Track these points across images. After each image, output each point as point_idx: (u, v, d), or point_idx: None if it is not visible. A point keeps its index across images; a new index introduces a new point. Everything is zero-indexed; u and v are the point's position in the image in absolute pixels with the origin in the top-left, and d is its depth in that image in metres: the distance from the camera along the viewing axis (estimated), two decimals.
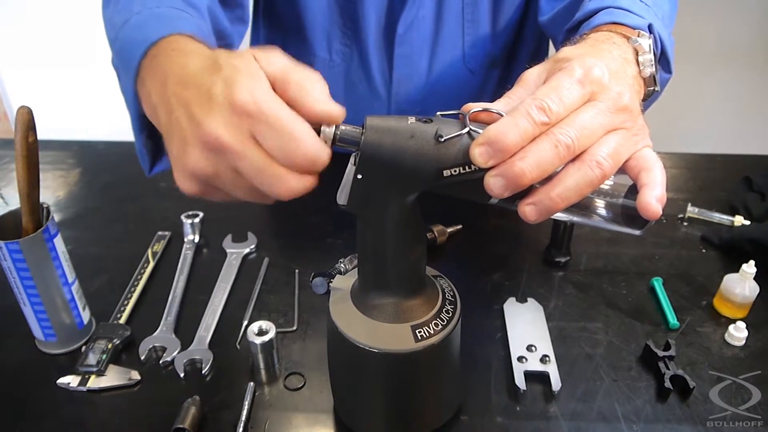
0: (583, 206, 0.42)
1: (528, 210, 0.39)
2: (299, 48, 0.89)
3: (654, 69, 0.49)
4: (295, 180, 0.38)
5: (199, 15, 0.57)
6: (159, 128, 0.44)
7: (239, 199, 0.42)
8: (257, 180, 0.38)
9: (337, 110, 0.39)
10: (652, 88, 0.50)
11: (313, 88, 0.39)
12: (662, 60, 0.58)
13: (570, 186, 0.38)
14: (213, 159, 0.38)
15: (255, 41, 0.95)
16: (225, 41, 0.68)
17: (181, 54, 0.44)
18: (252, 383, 0.58)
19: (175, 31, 0.47)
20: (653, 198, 0.39)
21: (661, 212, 0.39)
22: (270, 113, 0.37)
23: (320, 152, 0.38)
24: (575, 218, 0.43)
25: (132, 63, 0.47)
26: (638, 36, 0.50)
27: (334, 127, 0.39)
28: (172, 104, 0.40)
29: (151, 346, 0.62)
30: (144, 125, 0.50)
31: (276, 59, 0.40)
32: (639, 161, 0.41)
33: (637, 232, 0.44)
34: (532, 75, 0.44)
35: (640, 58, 0.49)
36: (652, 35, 0.53)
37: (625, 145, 0.40)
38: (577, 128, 0.38)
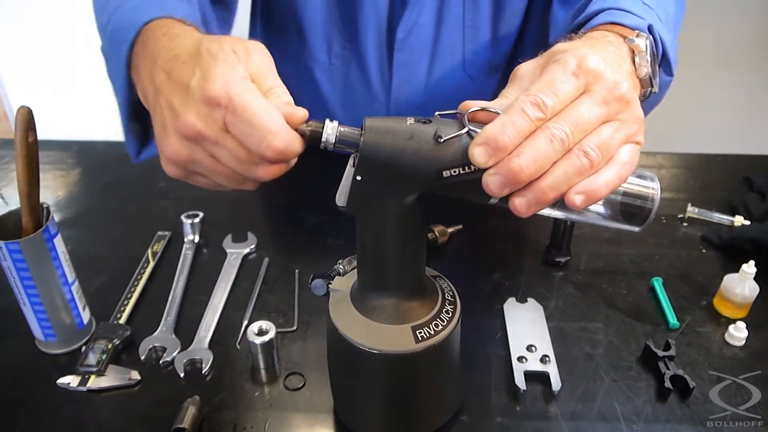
0: None
1: (518, 202, 0.39)
2: (298, 51, 0.88)
3: (650, 70, 0.49)
4: (263, 168, 0.42)
5: (189, 5, 0.59)
6: (149, 109, 0.47)
7: (221, 185, 0.45)
8: (232, 165, 0.42)
9: (299, 112, 0.42)
10: (649, 89, 0.50)
11: (275, 94, 0.43)
12: (663, 62, 0.58)
13: (558, 176, 0.38)
14: (190, 146, 0.42)
15: None
16: None
17: (169, 38, 0.47)
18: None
19: (167, 14, 0.50)
20: (575, 189, 0.39)
21: (578, 204, 0.39)
22: (238, 104, 0.40)
23: (287, 142, 0.40)
24: (574, 216, 0.44)
25: (125, 45, 0.50)
26: (636, 36, 0.50)
27: (305, 123, 0.42)
28: (156, 90, 0.44)
29: (151, 346, 0.62)
30: (131, 110, 0.53)
31: (257, 58, 0.44)
32: None
33: (636, 229, 0.44)
34: (526, 71, 0.44)
35: (636, 58, 0.48)
36: (651, 36, 0.53)
37: (615, 136, 0.40)
38: (571, 122, 0.38)
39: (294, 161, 0.44)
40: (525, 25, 0.86)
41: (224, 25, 0.78)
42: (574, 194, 0.39)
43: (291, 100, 0.44)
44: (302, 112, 0.42)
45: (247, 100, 0.40)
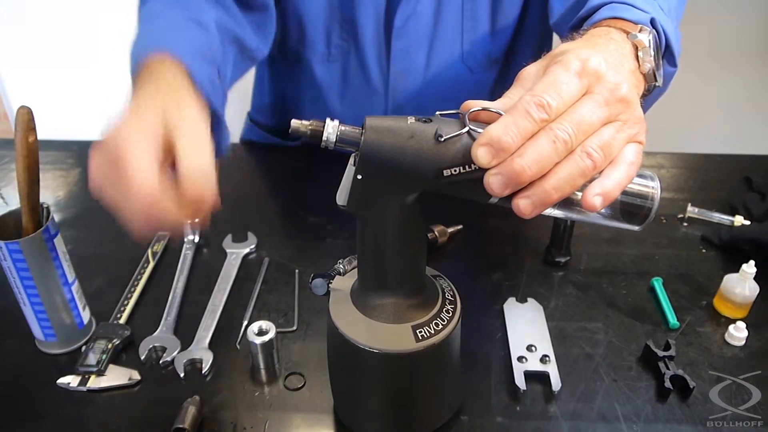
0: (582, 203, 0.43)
1: (522, 204, 0.39)
2: (297, 45, 0.89)
3: (654, 64, 0.49)
4: (137, 222, 0.45)
5: (200, 28, 0.62)
6: None
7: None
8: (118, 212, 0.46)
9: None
10: (654, 83, 0.50)
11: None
12: (667, 54, 0.57)
13: (562, 177, 0.38)
14: (98, 189, 0.48)
15: None
16: (246, 49, 0.73)
17: (140, 84, 0.52)
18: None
19: (162, 50, 0.53)
20: (592, 192, 0.39)
21: (597, 206, 0.39)
22: (122, 160, 0.45)
23: (146, 201, 0.44)
24: (574, 215, 0.44)
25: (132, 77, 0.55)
26: (639, 31, 0.50)
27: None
28: None
29: (151, 346, 0.62)
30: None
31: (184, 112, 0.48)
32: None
33: (636, 228, 0.44)
34: (530, 73, 0.44)
35: (640, 54, 0.48)
36: (654, 29, 0.52)
37: (617, 137, 0.40)
38: (574, 123, 0.38)
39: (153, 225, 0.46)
40: (523, 17, 0.86)
41: (261, 28, 0.78)
42: (593, 197, 0.39)
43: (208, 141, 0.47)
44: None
45: (128, 156, 0.45)
